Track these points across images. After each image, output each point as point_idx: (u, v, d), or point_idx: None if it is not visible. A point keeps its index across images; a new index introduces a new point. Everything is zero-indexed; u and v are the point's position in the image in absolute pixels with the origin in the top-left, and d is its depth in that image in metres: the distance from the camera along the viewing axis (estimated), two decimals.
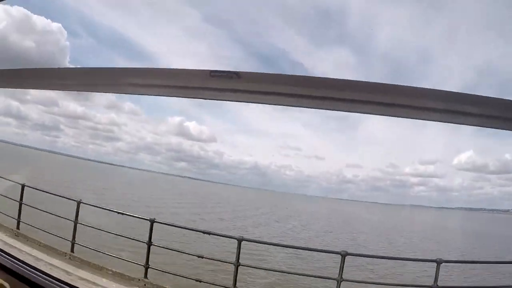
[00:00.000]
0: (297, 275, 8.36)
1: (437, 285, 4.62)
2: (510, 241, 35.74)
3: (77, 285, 3.46)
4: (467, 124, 0.94)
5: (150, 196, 36.48)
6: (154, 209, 23.81)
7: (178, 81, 1.14)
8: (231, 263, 5.04)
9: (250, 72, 0.95)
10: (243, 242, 5.01)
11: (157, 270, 5.49)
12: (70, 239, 5.86)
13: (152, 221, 5.45)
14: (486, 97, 0.93)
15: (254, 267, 7.87)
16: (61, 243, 6.04)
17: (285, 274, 8.97)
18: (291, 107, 0.93)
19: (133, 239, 5.86)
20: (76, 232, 5.95)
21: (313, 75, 1.05)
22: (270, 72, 0.94)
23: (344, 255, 4.63)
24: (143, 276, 5.30)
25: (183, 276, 5.57)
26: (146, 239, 5.42)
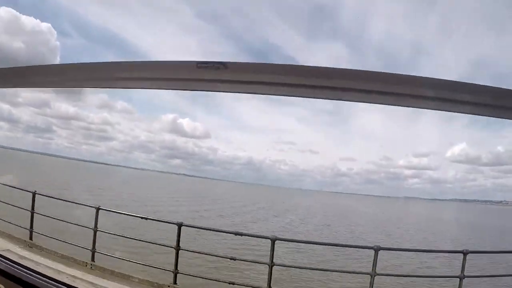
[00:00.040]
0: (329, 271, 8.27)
1: (464, 274, 4.75)
2: (505, 232, 36.31)
3: None
4: (460, 112, 0.92)
5: (146, 195, 36.44)
6: (152, 208, 23.79)
7: (165, 74, 1.11)
8: (265, 264, 4.87)
9: (237, 63, 0.93)
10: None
11: (187, 275, 5.25)
12: (90, 248, 5.59)
13: (180, 225, 5.19)
14: (479, 85, 0.92)
15: (289, 266, 7.79)
16: (79, 252, 5.78)
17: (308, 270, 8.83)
18: (279, 96, 0.91)
19: (161, 244, 5.67)
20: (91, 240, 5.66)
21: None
22: (257, 62, 0.91)
23: (377, 249, 4.67)
24: (172, 281, 5.09)
25: (215, 280, 5.43)
26: (166, 242, 5.39)
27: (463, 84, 0.91)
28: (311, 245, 13.73)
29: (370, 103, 0.88)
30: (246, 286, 5.47)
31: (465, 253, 4.73)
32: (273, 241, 4.76)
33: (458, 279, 4.82)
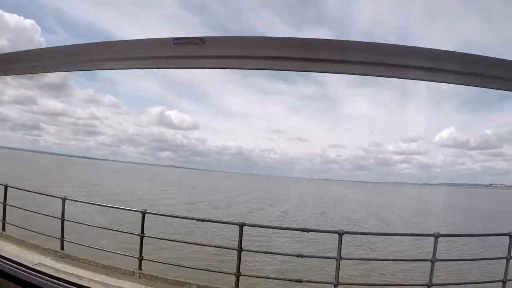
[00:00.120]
0: None
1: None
2: (496, 215, 37.28)
3: None
4: (448, 82, 0.89)
5: (139, 189, 36.29)
6: (146, 202, 23.67)
7: (140, 52, 1.05)
8: (332, 258, 4.79)
9: (215, 37, 0.88)
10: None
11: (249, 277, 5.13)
12: (137, 256, 5.13)
13: (242, 225, 4.86)
14: (467, 54, 0.89)
15: (357, 259, 7.82)
16: (125, 262, 5.35)
17: None
18: (258, 70, 0.86)
19: (220, 247, 5.56)
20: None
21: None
22: (236, 36, 0.85)
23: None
24: (234, 285, 4.82)
25: (281, 279, 5.37)
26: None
27: (451, 53, 0.89)
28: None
29: (355, 74, 0.84)
30: (315, 282, 5.28)
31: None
32: (340, 235, 4.66)
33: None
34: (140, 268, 5.08)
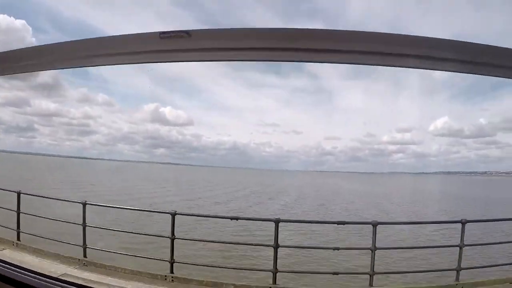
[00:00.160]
0: None
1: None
2: (493, 202, 37.62)
3: None
4: (443, 70, 0.88)
5: (137, 187, 36.13)
6: (147, 200, 23.69)
7: (127, 47, 1.02)
8: (368, 249, 4.80)
9: (200, 30, 0.86)
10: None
11: (286, 273, 5.06)
12: (168, 259, 5.01)
13: (277, 221, 4.77)
14: (459, 41, 0.88)
15: (389, 248, 7.50)
16: (156, 266, 5.23)
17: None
18: (247, 61, 0.84)
19: (257, 244, 5.50)
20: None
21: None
22: (222, 28, 0.83)
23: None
24: (272, 282, 4.78)
25: (317, 272, 5.38)
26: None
27: (445, 41, 0.88)
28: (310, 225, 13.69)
29: (346, 63, 0.82)
30: (351, 273, 5.44)
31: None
32: (374, 226, 4.73)
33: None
34: (172, 271, 4.95)
